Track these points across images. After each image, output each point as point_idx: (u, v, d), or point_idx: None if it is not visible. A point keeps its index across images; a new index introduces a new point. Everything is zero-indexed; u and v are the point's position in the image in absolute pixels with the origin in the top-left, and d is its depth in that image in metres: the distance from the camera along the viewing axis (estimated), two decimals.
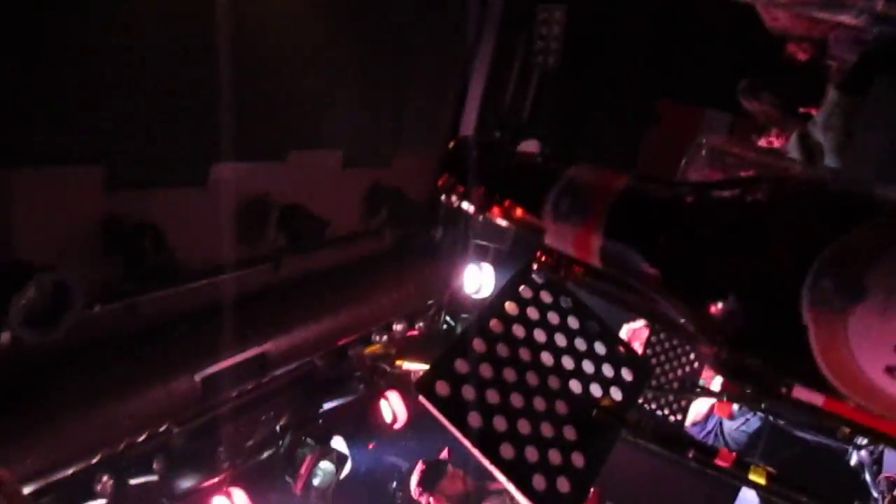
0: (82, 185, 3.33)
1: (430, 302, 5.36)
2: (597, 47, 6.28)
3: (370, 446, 5.30)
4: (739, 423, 4.32)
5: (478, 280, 5.41)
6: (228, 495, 4.16)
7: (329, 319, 4.49)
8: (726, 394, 4.56)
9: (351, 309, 4.58)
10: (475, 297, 5.33)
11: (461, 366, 1.70)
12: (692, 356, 4.41)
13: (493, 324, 1.85)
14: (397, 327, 4.95)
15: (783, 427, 4.22)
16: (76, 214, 3.32)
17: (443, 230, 5.18)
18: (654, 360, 3.53)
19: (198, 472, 4.00)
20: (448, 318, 5.27)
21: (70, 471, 3.30)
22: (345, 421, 5.09)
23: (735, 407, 4.49)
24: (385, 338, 4.74)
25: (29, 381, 3.16)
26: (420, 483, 4.09)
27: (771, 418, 4.33)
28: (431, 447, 5.06)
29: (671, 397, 3.83)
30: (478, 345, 1.77)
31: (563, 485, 1.66)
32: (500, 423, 1.67)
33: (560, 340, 1.92)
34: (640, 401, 2.17)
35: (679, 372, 4.27)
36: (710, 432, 4.46)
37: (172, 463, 3.81)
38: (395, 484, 5.49)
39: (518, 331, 1.86)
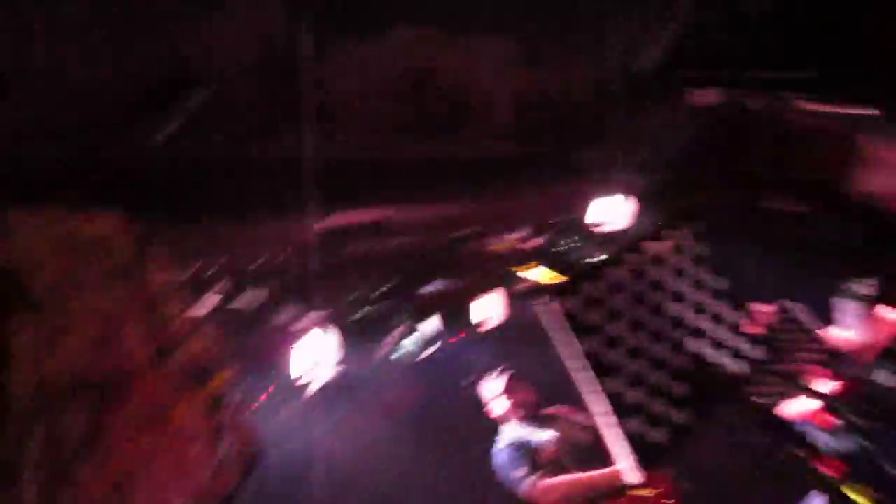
0: None
1: (560, 218, 5.28)
2: None
3: (461, 334, 5.41)
4: (830, 440, 4.14)
5: (618, 212, 5.26)
6: (323, 331, 4.36)
7: (458, 205, 4.49)
8: (835, 404, 4.39)
9: (483, 202, 4.57)
10: (610, 227, 5.20)
11: (594, 290, 1.68)
12: (810, 353, 4.22)
13: (634, 260, 1.81)
14: (521, 233, 4.91)
15: (878, 456, 4.03)
16: None
17: (596, 153, 5.02)
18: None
19: (302, 305, 4.20)
20: (574, 240, 5.18)
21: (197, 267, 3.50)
22: (443, 307, 5.18)
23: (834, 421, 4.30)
24: (507, 240, 4.72)
25: (180, 180, 3.31)
26: (496, 389, 4.14)
27: (869, 445, 4.14)
28: (512, 358, 5.11)
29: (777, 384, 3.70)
30: (614, 276, 1.74)
31: (657, 435, 1.64)
32: (614, 356, 1.66)
33: (696, 296, 1.86)
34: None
35: (792, 364, 4.11)
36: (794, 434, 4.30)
37: (285, 289, 4.00)
38: (466, 381, 5.58)
39: (655, 274, 1.81)
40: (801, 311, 4.39)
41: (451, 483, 4.52)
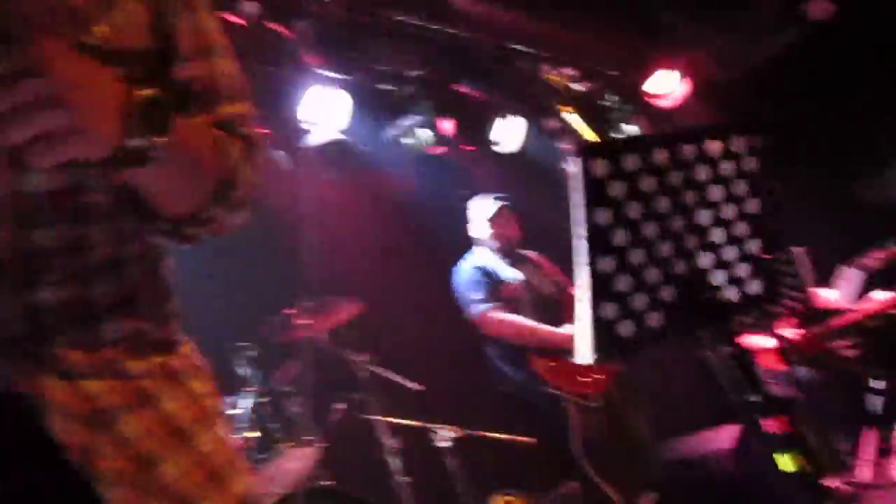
0: None
1: (614, 72, 4.98)
2: None
3: (473, 147, 5.26)
4: (773, 380, 4.22)
5: (676, 89, 4.97)
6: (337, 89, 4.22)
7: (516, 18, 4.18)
8: (788, 352, 4.44)
9: (549, 24, 4.27)
10: (664, 104, 4.92)
11: (628, 162, 1.53)
12: (792, 301, 4.17)
13: (678, 148, 1.64)
14: (572, 71, 4.63)
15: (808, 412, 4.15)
16: None
17: (684, 19, 4.65)
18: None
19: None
20: (621, 101, 4.90)
21: None
22: (466, 111, 4.99)
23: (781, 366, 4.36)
24: (562, 74, 4.45)
25: None
26: (484, 210, 4.05)
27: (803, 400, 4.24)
28: (519, 192, 5.02)
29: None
30: (653, 156, 1.58)
31: (624, 328, 1.57)
32: (619, 238, 1.54)
33: (724, 210, 1.72)
34: None
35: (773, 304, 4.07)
36: None
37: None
38: (461, 192, 5.48)
39: (694, 171, 1.65)
40: (803, 258, 4.31)
41: (410, 280, 4.56)
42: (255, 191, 1.16)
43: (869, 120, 5.44)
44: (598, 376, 3.77)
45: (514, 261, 3.96)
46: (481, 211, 4.05)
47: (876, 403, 4.07)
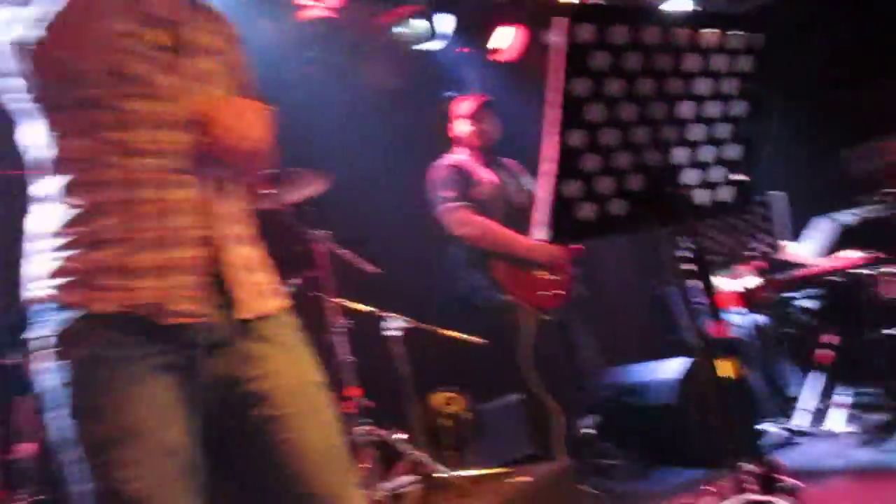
0: None
1: None
2: None
3: (465, 49, 5.10)
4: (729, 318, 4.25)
5: None
6: None
7: None
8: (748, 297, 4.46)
9: None
10: None
11: (617, 34, 1.43)
12: (760, 246, 4.18)
13: (673, 30, 1.55)
14: None
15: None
16: None
17: None
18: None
19: None
20: None
21: None
22: (466, 10, 4.81)
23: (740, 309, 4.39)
24: None
25: None
26: (465, 109, 3.93)
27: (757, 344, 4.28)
28: (505, 93, 4.90)
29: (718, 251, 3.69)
30: (644, 32, 1.48)
31: (585, 210, 1.51)
32: (594, 113, 1.46)
33: (709, 108, 1.65)
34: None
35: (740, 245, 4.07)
36: None
37: None
38: (449, 93, 5.32)
39: (685, 59, 1.56)
40: (781, 203, 4.29)
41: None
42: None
43: (860, 89, 5.38)
44: (557, 291, 3.74)
45: (492, 164, 3.88)
46: (463, 109, 3.93)
47: (824, 356, 4.13)
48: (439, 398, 3.81)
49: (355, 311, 3.37)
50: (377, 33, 4.82)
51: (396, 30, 4.74)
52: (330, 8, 4.39)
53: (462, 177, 3.72)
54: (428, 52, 4.95)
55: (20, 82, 1.41)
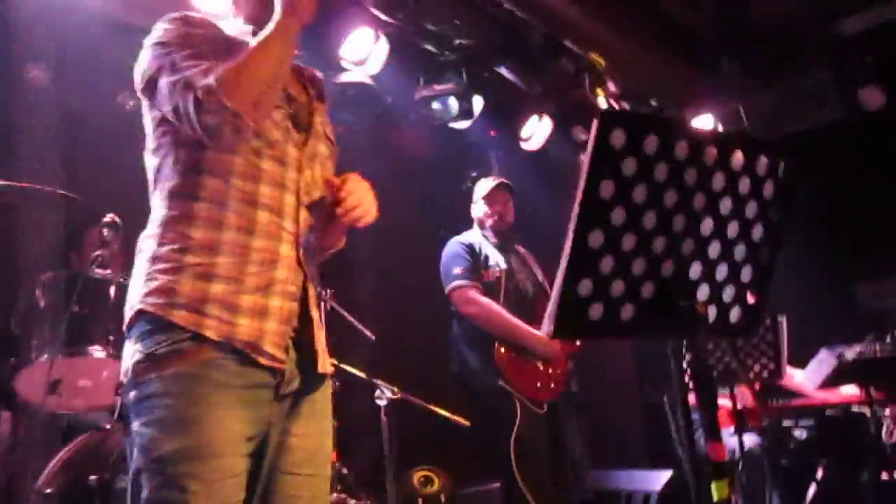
0: None
1: (653, 101, 4.93)
2: None
3: (493, 132, 5.20)
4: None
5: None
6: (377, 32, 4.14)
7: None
8: (738, 417, 4.39)
9: (606, 29, 4.20)
10: None
11: (649, 143, 1.46)
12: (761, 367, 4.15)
13: (707, 147, 1.57)
14: (614, 87, 4.55)
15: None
16: None
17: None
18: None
19: None
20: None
21: None
22: (498, 95, 4.91)
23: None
24: (602, 60, 4.36)
25: None
26: (483, 190, 3.96)
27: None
28: (527, 179, 4.96)
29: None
30: (678, 145, 1.51)
31: (594, 310, 1.51)
32: (616, 214, 1.47)
33: (732, 228, 1.66)
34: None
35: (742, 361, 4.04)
36: None
37: None
38: (472, 174, 5.40)
39: (715, 175, 1.58)
40: (782, 327, 4.27)
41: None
42: None
43: (880, 225, 5.43)
44: (553, 384, 3.71)
45: (505, 248, 3.89)
46: (481, 189, 3.98)
47: (809, 489, 4.05)
48: (418, 476, 3.73)
49: (345, 372, 3.33)
50: (411, 105, 4.92)
51: (430, 104, 4.84)
52: (369, 74, 4.50)
53: (474, 256, 3.74)
54: (458, 131, 5.05)
55: (167, 115, 1.57)
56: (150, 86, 1.60)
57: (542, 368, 3.68)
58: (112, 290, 2.78)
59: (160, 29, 1.66)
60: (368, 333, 3.43)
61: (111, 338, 2.73)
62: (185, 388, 1.49)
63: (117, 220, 2.80)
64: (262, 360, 1.55)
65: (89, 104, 3.68)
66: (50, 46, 3.56)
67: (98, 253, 2.78)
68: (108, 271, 2.80)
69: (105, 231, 2.78)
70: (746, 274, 1.72)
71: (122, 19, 3.58)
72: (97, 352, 2.71)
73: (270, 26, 1.60)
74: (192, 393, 1.49)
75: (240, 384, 1.53)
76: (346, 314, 3.38)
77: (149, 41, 1.65)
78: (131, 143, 3.78)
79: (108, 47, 3.62)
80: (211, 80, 1.50)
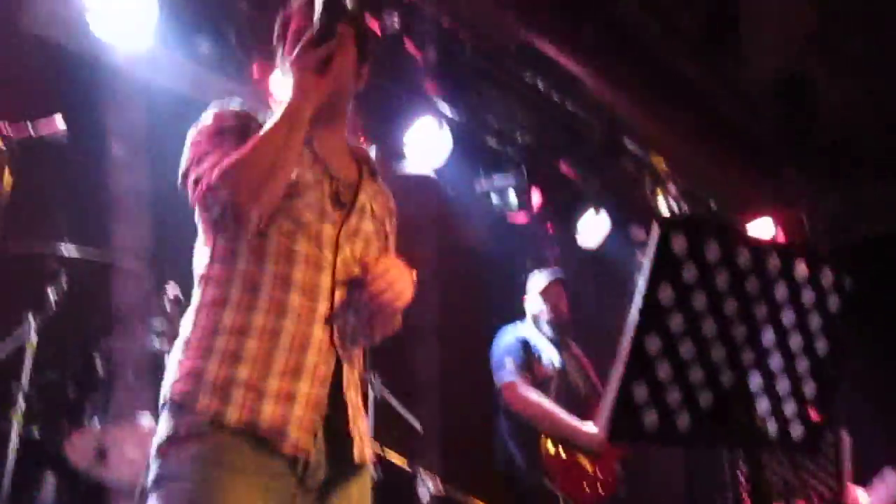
0: None
1: (712, 203, 4.94)
2: None
3: (549, 224, 5.23)
4: None
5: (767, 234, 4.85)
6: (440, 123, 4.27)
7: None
8: None
9: (670, 132, 4.27)
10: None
11: (711, 250, 1.45)
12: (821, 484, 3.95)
13: (768, 256, 1.56)
14: (675, 189, 4.58)
15: None
16: None
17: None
18: None
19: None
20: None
21: None
22: (556, 190, 4.96)
23: None
24: (662, 161, 4.40)
25: None
26: (538, 284, 3.95)
27: None
28: (585, 277, 4.93)
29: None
30: (741, 255, 1.50)
31: (649, 418, 1.47)
32: (675, 322, 1.46)
33: (794, 341, 1.62)
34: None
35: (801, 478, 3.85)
36: None
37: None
38: (528, 264, 5.39)
39: (776, 286, 1.56)
40: (845, 445, 4.07)
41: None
42: None
43: None
44: (601, 489, 3.59)
45: (558, 344, 3.84)
46: (535, 283, 3.97)
47: None
48: None
49: (388, 461, 3.28)
50: (471, 197, 5.01)
51: (489, 197, 4.91)
52: (433, 166, 4.61)
53: (527, 351, 3.70)
54: (516, 224, 5.10)
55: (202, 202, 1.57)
56: (184, 180, 1.63)
57: (590, 471, 3.57)
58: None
59: (198, 124, 1.69)
60: (417, 425, 3.39)
61: None
62: (200, 471, 1.46)
63: (180, 294, 2.87)
64: (286, 447, 1.50)
65: (167, 179, 3.84)
66: (132, 123, 3.77)
67: (159, 324, 2.84)
68: (168, 345, 2.85)
69: (167, 305, 2.85)
70: (809, 388, 1.66)
71: (191, 96, 3.78)
72: (148, 424, 2.74)
73: (278, 111, 1.58)
74: (208, 476, 1.45)
75: (259, 471, 1.49)
76: (393, 401, 3.35)
77: (188, 137, 1.69)
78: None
79: (177, 123, 3.82)
80: (215, 174, 1.51)
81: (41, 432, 2.72)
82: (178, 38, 3.46)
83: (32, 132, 2.61)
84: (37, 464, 2.77)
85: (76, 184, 3.52)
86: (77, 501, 2.90)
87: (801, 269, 1.58)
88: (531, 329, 3.87)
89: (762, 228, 5.06)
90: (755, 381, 1.57)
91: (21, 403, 2.62)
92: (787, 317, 1.59)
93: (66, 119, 2.76)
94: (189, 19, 3.45)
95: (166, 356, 2.81)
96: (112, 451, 2.76)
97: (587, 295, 4.84)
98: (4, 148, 2.58)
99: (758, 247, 1.53)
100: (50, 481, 2.91)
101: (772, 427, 1.61)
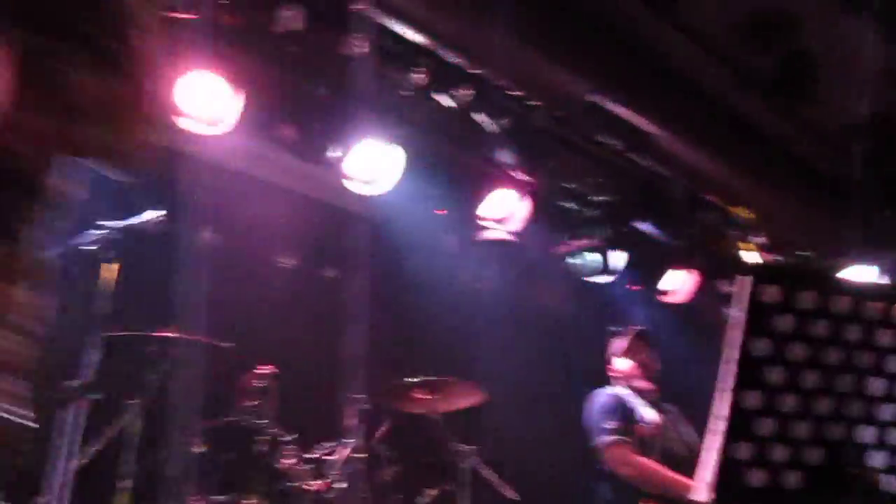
0: None
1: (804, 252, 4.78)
2: None
3: (636, 286, 5.16)
4: None
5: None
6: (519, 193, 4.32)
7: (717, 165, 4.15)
8: None
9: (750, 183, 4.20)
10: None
11: (806, 299, 1.41)
12: None
13: (868, 305, 1.49)
14: (762, 239, 4.47)
15: None
16: None
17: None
18: None
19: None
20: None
21: None
22: (639, 251, 4.90)
23: None
24: (747, 212, 4.31)
25: None
26: (622, 346, 3.86)
27: None
28: (669, 343, 4.82)
29: None
30: (836, 301, 1.45)
31: (755, 477, 1.41)
32: (774, 376, 1.41)
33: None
34: None
35: None
36: None
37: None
38: (613, 328, 5.31)
39: (878, 335, 1.49)
40: None
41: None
42: None
43: None
44: None
45: (655, 403, 3.73)
46: (619, 344, 3.89)
47: None
48: None
49: None
50: (552, 260, 5.00)
51: (570, 260, 4.89)
52: (511, 231, 4.63)
53: (625, 410, 3.60)
54: (598, 285, 5.04)
55: None
56: None
57: None
58: (264, 440, 2.88)
59: None
60: (511, 494, 3.33)
61: (259, 488, 2.79)
62: None
63: (276, 371, 2.94)
64: None
65: (253, 263, 4.00)
66: (219, 212, 3.96)
67: (256, 403, 2.91)
68: (265, 421, 2.92)
69: (264, 382, 2.92)
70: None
71: (268, 179, 3.93)
72: (247, 500, 2.78)
73: None
74: None
75: None
76: (487, 472, 3.31)
77: None
78: (287, 298, 4.02)
79: (264, 208, 3.98)
80: None
81: None
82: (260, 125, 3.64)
83: (134, 221, 2.76)
84: None
85: (174, 272, 3.70)
86: None
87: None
88: (624, 389, 3.77)
89: (859, 274, 4.85)
90: (866, 433, 1.50)
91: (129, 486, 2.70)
92: (894, 363, 1.52)
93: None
94: (270, 105, 3.61)
95: (262, 433, 2.87)
96: None
97: (677, 352, 4.70)
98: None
99: (855, 292, 1.48)
100: None
101: (887, 482, 1.52)
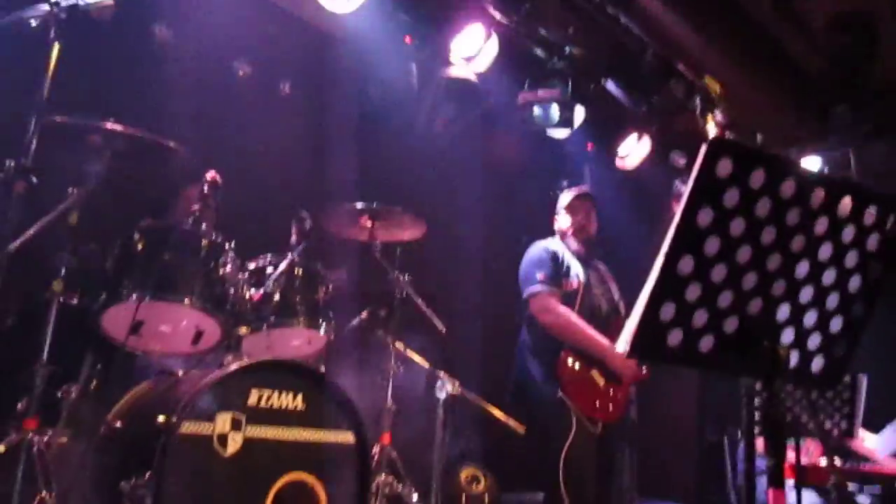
0: None
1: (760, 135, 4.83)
2: None
3: (589, 145, 5.16)
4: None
5: None
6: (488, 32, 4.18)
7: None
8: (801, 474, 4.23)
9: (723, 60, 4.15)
10: None
11: (756, 177, 1.43)
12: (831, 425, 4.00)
13: (814, 192, 1.53)
14: (723, 117, 4.47)
15: None
16: None
17: None
18: None
19: None
20: None
21: None
22: (598, 114, 4.88)
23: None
24: (718, 91, 4.29)
25: None
26: (564, 201, 3.93)
27: None
28: (620, 196, 4.90)
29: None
30: (785, 186, 1.48)
31: (673, 336, 1.49)
32: (712, 244, 1.45)
33: (828, 276, 1.61)
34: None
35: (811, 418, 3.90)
36: None
37: None
38: (558, 186, 5.36)
39: (819, 225, 1.54)
40: (861, 386, 4.09)
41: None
42: None
43: None
44: (612, 408, 3.66)
45: (585, 261, 3.85)
46: (563, 201, 3.95)
47: None
48: (466, 473, 3.74)
49: (410, 360, 3.37)
50: (513, 108, 4.93)
51: (531, 109, 4.83)
52: (476, 72, 4.53)
53: (555, 263, 3.71)
54: (555, 139, 5.03)
55: None
56: None
57: (603, 388, 3.64)
58: (203, 245, 2.88)
59: None
60: (440, 325, 3.46)
61: (196, 290, 2.82)
62: None
63: (218, 179, 2.90)
64: None
65: (205, 66, 3.84)
66: (174, 8, 3.74)
67: (196, 208, 2.88)
68: (203, 226, 2.90)
69: (206, 188, 2.88)
70: (836, 324, 1.66)
71: None
72: (181, 301, 2.81)
73: None
74: None
75: None
76: (420, 302, 3.41)
77: None
78: (242, 106, 3.91)
79: (223, 9, 3.78)
80: None
81: (80, 302, 2.79)
82: None
83: (80, 1, 2.58)
84: (74, 333, 2.87)
85: (122, 63, 3.52)
86: (110, 371, 3.02)
87: (844, 204, 1.56)
88: (559, 244, 3.87)
89: (810, 166, 4.96)
90: (783, 311, 1.58)
91: (62, 273, 2.69)
92: (825, 251, 1.58)
93: None
94: None
95: (202, 238, 2.87)
96: (146, 325, 2.85)
97: (620, 217, 4.81)
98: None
99: (804, 179, 1.51)
100: (87, 350, 3.01)
101: (793, 358, 1.62)
